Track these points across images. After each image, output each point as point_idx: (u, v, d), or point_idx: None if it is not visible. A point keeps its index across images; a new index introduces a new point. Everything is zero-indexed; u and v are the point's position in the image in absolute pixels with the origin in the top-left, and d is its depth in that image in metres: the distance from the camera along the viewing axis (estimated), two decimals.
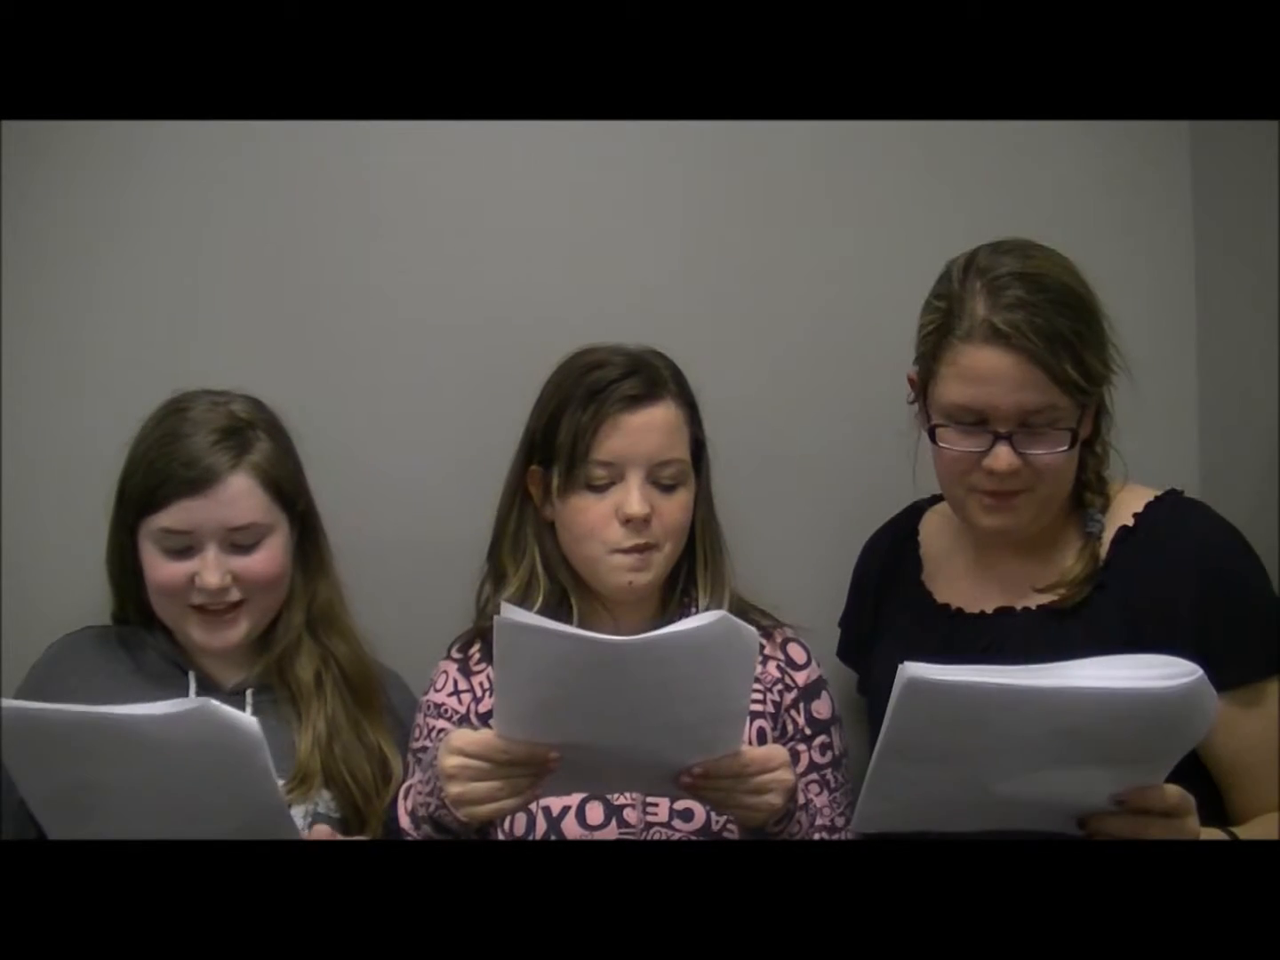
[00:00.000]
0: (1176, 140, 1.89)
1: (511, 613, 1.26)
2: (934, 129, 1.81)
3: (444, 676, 1.62)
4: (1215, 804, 1.44)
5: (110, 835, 1.26)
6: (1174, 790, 1.26)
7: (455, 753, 1.33)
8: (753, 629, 1.29)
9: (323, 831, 1.47)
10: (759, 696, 1.58)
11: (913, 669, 1.19)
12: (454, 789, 1.33)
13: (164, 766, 1.26)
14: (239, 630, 1.57)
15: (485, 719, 1.56)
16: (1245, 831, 1.42)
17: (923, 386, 1.52)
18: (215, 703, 1.25)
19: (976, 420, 1.46)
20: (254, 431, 1.57)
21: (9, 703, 1.27)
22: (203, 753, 1.25)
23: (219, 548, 1.54)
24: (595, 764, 1.33)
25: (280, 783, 1.41)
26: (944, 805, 1.28)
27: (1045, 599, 1.52)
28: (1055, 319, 1.43)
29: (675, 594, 1.65)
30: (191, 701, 1.27)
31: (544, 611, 1.57)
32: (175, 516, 1.53)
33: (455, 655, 1.64)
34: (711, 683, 1.29)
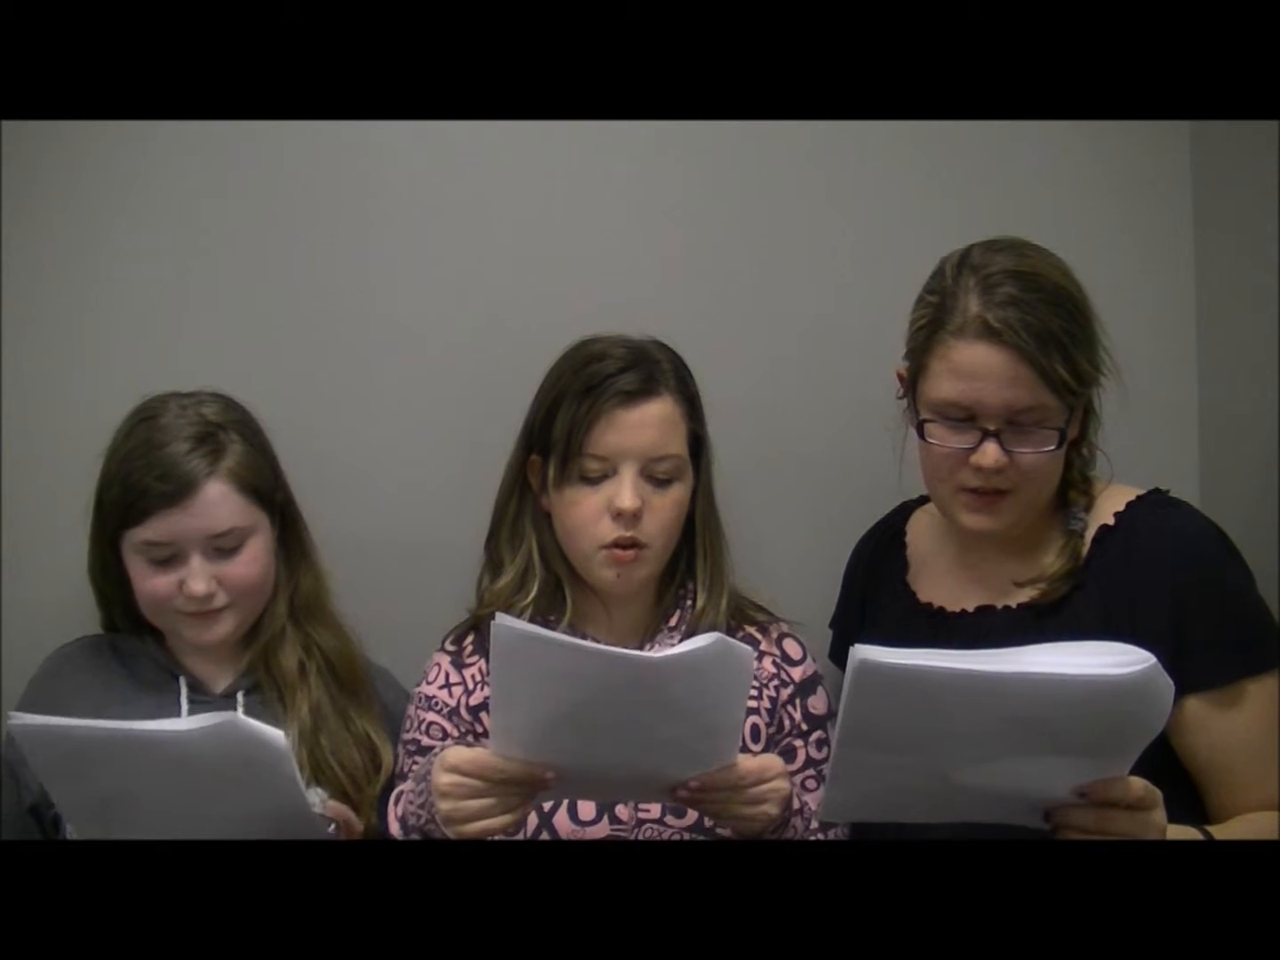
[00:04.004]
0: (1176, 140, 1.89)
1: (510, 620, 1.26)
2: (934, 129, 1.81)
3: (436, 669, 1.62)
4: (1190, 803, 1.44)
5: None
6: (1138, 783, 1.25)
7: (450, 770, 1.33)
8: (747, 648, 1.28)
9: (335, 808, 1.48)
10: (755, 693, 1.57)
11: (864, 651, 1.18)
12: (446, 806, 1.33)
13: (191, 780, 1.27)
14: (227, 626, 1.58)
15: (475, 711, 1.57)
16: (1222, 831, 1.41)
17: (912, 382, 1.52)
18: (241, 717, 1.27)
19: (965, 416, 1.46)
20: (226, 434, 1.57)
21: (35, 719, 1.28)
22: (230, 766, 1.26)
23: (202, 555, 1.54)
24: (590, 777, 1.33)
25: None
26: (907, 794, 1.28)
27: (1026, 596, 1.52)
28: (1048, 318, 1.43)
29: (673, 587, 1.64)
30: (217, 716, 1.27)
31: (539, 601, 1.58)
32: (156, 529, 1.53)
33: (449, 648, 1.64)
34: (707, 699, 1.28)
